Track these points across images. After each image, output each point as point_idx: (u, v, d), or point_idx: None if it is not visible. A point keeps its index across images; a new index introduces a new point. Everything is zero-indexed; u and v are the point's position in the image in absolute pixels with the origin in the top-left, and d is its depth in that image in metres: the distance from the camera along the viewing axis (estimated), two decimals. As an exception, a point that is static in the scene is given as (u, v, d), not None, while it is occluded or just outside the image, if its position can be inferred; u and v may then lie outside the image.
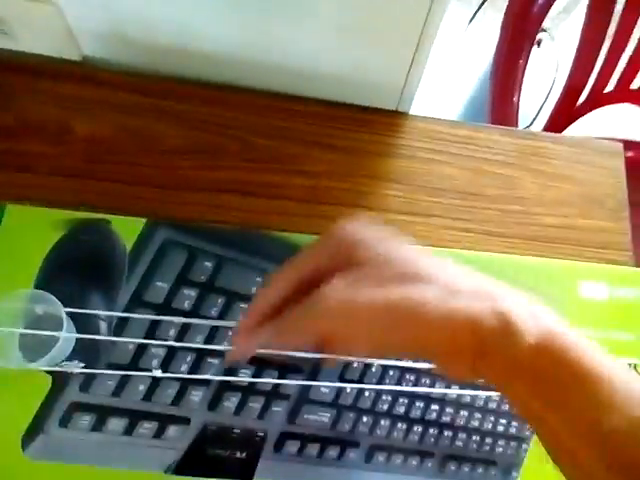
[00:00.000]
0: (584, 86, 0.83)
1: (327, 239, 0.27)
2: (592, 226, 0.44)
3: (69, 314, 0.34)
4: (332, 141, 0.43)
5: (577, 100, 0.85)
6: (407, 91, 0.44)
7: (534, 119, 0.88)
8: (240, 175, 0.41)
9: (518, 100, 0.75)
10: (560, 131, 0.83)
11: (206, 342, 0.35)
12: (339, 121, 0.44)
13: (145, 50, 0.43)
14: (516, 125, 0.77)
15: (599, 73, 0.83)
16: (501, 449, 0.35)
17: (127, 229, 0.36)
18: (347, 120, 0.44)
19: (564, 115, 0.83)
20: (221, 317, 0.35)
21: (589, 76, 0.83)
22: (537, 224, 0.43)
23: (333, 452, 0.34)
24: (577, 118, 0.83)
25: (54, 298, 0.33)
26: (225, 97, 0.44)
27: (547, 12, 0.84)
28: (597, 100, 0.83)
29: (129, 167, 0.40)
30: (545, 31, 0.97)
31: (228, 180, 0.41)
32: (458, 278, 0.25)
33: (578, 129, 0.84)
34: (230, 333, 0.35)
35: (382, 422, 0.35)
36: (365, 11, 0.38)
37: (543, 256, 0.42)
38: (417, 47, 0.40)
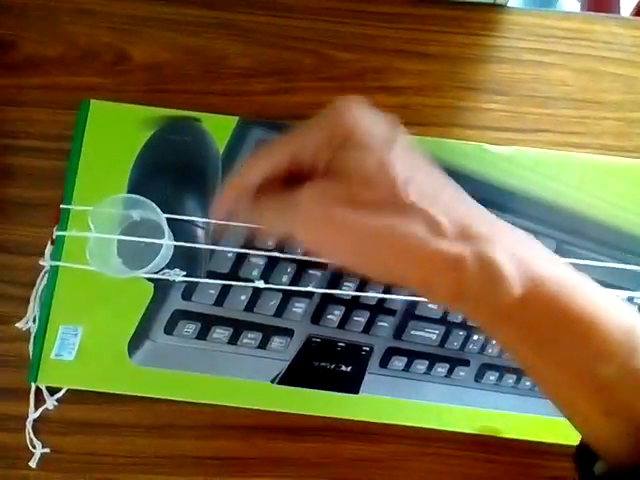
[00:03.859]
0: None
1: (320, 126, 0.23)
2: None
3: (167, 220, 0.32)
4: (421, 48, 0.38)
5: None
6: None
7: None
8: (318, 97, 0.37)
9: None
10: None
11: (306, 254, 0.33)
12: (428, 22, 0.38)
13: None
14: (618, 10, 0.67)
15: None
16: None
17: (218, 128, 0.34)
18: (437, 20, 0.38)
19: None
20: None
21: None
22: None
23: (442, 369, 0.33)
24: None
25: (151, 203, 0.31)
26: (295, 3, 0.38)
27: None
28: None
29: (196, 96, 0.36)
30: None
31: (305, 104, 0.37)
32: (446, 210, 0.22)
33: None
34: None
35: (494, 341, 0.33)
36: None
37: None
38: None
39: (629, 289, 0.33)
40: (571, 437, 0.31)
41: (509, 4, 0.39)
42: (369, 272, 0.23)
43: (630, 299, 0.33)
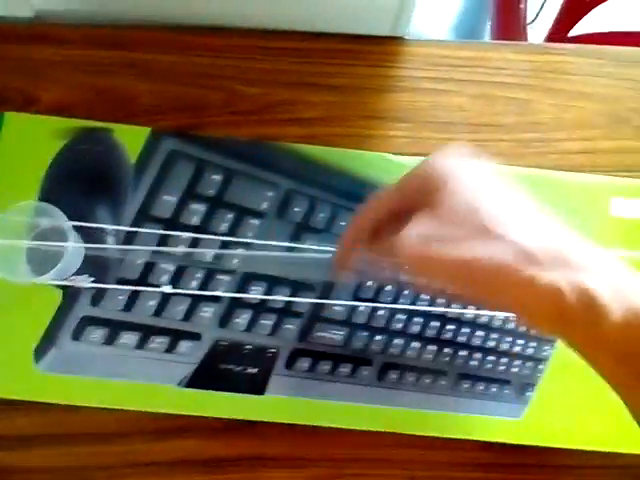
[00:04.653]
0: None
1: (416, 173, 0.27)
2: (617, 147, 0.41)
3: (76, 228, 0.33)
4: (326, 80, 0.40)
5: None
6: (403, 11, 0.39)
7: (537, 15, 0.81)
8: (229, 131, 0.38)
9: (525, 7, 0.69)
10: (571, 27, 0.76)
11: (215, 259, 0.34)
12: (332, 55, 0.40)
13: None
14: (524, 38, 0.72)
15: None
16: (517, 369, 0.35)
17: (131, 139, 0.35)
18: (341, 53, 0.40)
19: (573, 8, 0.77)
20: (231, 233, 0.34)
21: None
22: (557, 151, 0.40)
23: (345, 369, 0.34)
24: (589, 11, 0.77)
25: (58, 210, 0.32)
26: (200, 41, 0.39)
27: None
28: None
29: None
30: None
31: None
32: (538, 239, 0.23)
33: (589, 24, 0.79)
34: (239, 249, 0.34)
35: (396, 341, 0.34)
36: None
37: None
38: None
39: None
40: (472, 432, 0.33)
41: (415, 35, 0.43)
42: (469, 300, 0.27)
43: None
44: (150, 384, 0.32)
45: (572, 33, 0.81)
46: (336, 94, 0.40)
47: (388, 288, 0.35)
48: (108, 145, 0.35)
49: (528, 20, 0.87)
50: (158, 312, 0.33)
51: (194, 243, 0.34)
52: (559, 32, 0.79)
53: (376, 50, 0.42)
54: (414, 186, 0.27)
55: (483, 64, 0.42)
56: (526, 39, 0.68)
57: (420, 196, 0.26)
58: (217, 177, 0.35)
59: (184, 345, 0.33)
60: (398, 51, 0.42)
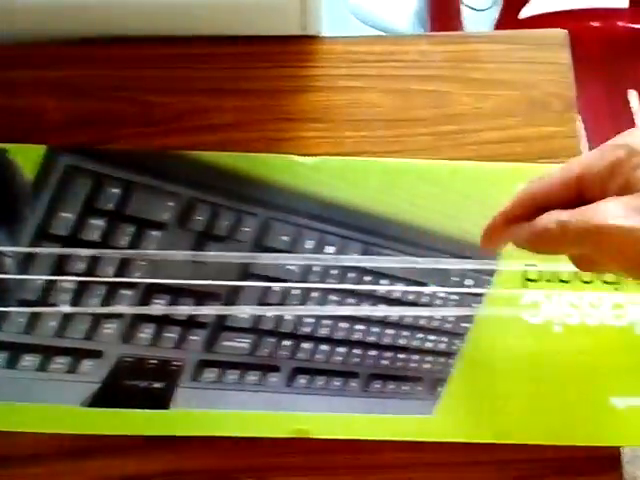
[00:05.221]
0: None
1: (615, 147, 0.24)
2: (537, 134, 0.41)
3: (-29, 252, 0.33)
4: (238, 85, 0.39)
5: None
6: (308, 8, 0.38)
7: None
8: (142, 143, 0.37)
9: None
10: (519, 10, 0.75)
11: (117, 274, 0.34)
12: (243, 59, 0.40)
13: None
14: (460, 25, 0.71)
15: None
16: (429, 365, 0.34)
17: (27, 157, 0.34)
18: (252, 57, 0.40)
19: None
20: (132, 247, 0.34)
21: None
22: (476, 142, 0.39)
23: (253, 377, 0.33)
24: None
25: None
26: (106, 53, 0.39)
27: None
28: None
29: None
30: None
31: (129, 151, 0.37)
32: None
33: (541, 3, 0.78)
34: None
35: (304, 345, 0.34)
36: None
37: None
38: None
39: (433, 284, 0.35)
40: (385, 433, 0.32)
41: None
42: None
43: (433, 294, 0.35)
44: (53, 405, 0.32)
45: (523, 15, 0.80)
46: (249, 98, 0.40)
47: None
48: (3, 166, 0.34)
49: (486, 6, 0.86)
50: (59, 332, 0.33)
51: (95, 259, 0.34)
52: (508, 16, 0.78)
53: (288, 50, 0.41)
54: (609, 159, 0.24)
55: (398, 58, 0.41)
56: (461, 26, 0.68)
57: (616, 170, 0.23)
58: (116, 191, 0.34)
59: (86, 364, 0.33)
60: (311, 50, 0.41)
